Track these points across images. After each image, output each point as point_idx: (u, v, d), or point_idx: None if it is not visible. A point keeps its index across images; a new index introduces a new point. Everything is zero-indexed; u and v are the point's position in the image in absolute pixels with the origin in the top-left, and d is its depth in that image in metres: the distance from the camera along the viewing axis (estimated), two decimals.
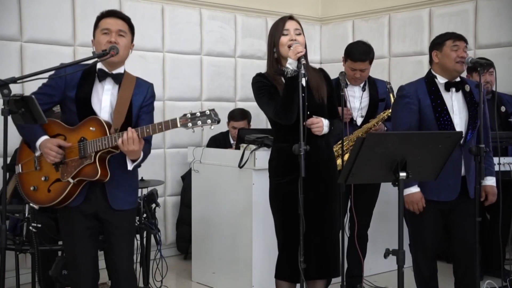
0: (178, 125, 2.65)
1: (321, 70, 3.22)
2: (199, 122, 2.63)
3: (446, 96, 3.36)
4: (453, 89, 3.36)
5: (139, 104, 2.93)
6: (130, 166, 2.86)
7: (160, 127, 2.68)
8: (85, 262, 2.92)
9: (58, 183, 2.84)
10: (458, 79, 3.39)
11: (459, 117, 3.34)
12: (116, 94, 2.90)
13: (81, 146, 2.80)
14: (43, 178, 2.89)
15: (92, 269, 2.95)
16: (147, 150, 2.92)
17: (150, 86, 3.03)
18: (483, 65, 3.21)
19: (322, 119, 3.06)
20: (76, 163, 2.80)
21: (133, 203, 3.02)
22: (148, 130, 2.70)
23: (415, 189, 3.34)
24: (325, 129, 3.07)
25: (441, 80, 3.37)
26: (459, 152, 3.27)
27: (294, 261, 2.99)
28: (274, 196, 3.16)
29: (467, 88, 3.36)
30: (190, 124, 2.63)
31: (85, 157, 2.78)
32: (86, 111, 2.85)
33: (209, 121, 2.63)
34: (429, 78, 3.40)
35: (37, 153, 2.89)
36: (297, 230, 2.91)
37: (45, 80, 2.91)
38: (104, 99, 2.89)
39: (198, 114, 2.63)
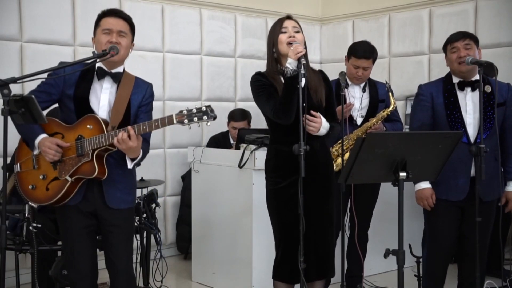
0: (174, 121, 2.65)
1: (320, 72, 3.20)
2: (195, 119, 2.63)
3: (460, 95, 3.39)
4: (468, 89, 3.37)
5: (137, 103, 2.94)
6: (130, 165, 2.86)
7: (156, 124, 2.69)
8: (83, 261, 2.92)
9: (56, 181, 2.85)
10: (476, 77, 3.36)
11: (472, 117, 3.35)
12: (114, 93, 2.90)
13: (78, 144, 2.81)
14: (41, 177, 2.89)
15: (90, 268, 2.95)
16: (146, 149, 2.92)
17: (149, 86, 3.03)
18: (483, 65, 3.21)
19: (323, 119, 3.02)
20: (74, 161, 2.81)
21: (131, 202, 3.01)
22: (145, 127, 2.71)
23: (425, 184, 3.38)
24: (322, 131, 3.02)
25: (454, 79, 3.42)
26: (469, 152, 3.23)
27: (292, 262, 2.99)
28: (272, 198, 3.14)
29: (488, 88, 3.34)
30: (186, 121, 2.64)
31: (83, 155, 2.79)
32: (84, 109, 2.86)
33: (205, 117, 2.63)
34: (447, 77, 3.46)
35: (35, 152, 2.89)
36: (295, 231, 2.90)
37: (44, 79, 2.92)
38: (103, 98, 2.89)
39: (194, 110, 2.64)
